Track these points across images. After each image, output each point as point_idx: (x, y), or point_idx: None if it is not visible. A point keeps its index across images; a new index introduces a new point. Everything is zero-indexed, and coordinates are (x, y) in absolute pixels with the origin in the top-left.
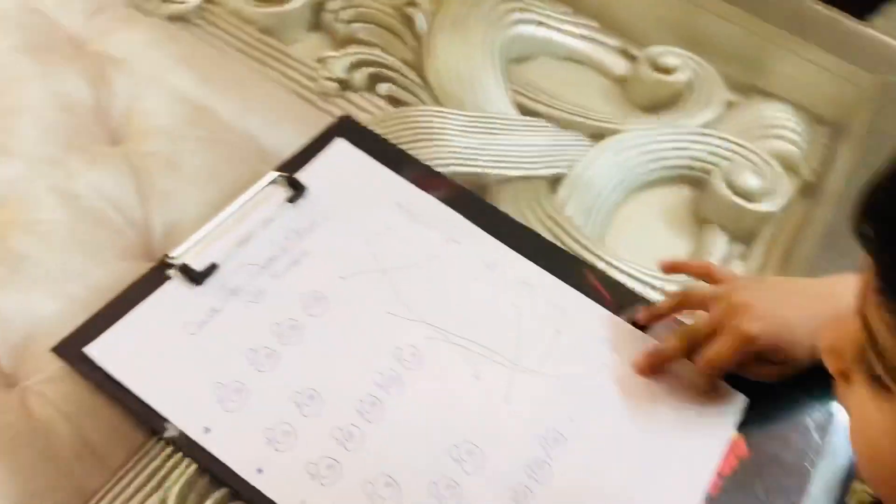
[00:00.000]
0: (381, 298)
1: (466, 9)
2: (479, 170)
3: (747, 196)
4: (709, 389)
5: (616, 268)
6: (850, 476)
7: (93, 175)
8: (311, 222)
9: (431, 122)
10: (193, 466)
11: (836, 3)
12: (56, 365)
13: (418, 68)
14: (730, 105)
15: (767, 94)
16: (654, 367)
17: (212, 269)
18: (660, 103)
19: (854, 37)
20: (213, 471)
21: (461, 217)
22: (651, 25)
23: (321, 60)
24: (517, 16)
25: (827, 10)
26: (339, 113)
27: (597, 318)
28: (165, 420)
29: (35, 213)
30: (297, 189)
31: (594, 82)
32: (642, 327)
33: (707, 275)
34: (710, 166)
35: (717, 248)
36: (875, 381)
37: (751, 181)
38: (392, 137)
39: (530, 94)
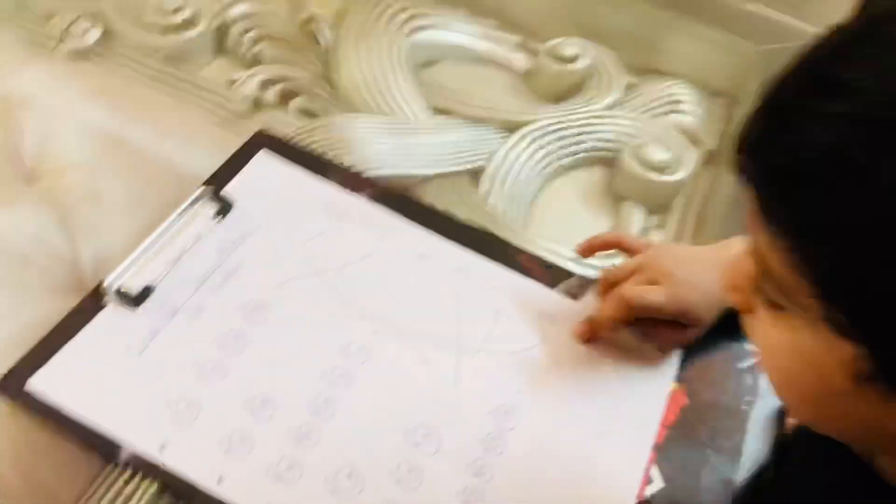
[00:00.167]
0: (321, 300)
1: (368, 20)
2: (400, 171)
3: (657, 169)
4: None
5: (545, 248)
6: (785, 411)
7: (12, 216)
8: (242, 234)
9: (347, 130)
10: (153, 487)
11: None
12: None
13: (328, 81)
14: (630, 87)
15: (664, 73)
16: (593, 333)
17: (147, 290)
18: (564, 92)
19: (738, 12)
20: (174, 487)
21: (391, 214)
22: (547, 19)
23: (231, 83)
24: (417, 23)
25: None
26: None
27: (533, 295)
28: (119, 444)
29: None
30: (225, 204)
31: (500, 78)
32: (576, 299)
33: (621, 245)
34: (619, 145)
35: (636, 222)
36: (772, 305)
37: (658, 154)
38: (311, 149)
39: (441, 95)
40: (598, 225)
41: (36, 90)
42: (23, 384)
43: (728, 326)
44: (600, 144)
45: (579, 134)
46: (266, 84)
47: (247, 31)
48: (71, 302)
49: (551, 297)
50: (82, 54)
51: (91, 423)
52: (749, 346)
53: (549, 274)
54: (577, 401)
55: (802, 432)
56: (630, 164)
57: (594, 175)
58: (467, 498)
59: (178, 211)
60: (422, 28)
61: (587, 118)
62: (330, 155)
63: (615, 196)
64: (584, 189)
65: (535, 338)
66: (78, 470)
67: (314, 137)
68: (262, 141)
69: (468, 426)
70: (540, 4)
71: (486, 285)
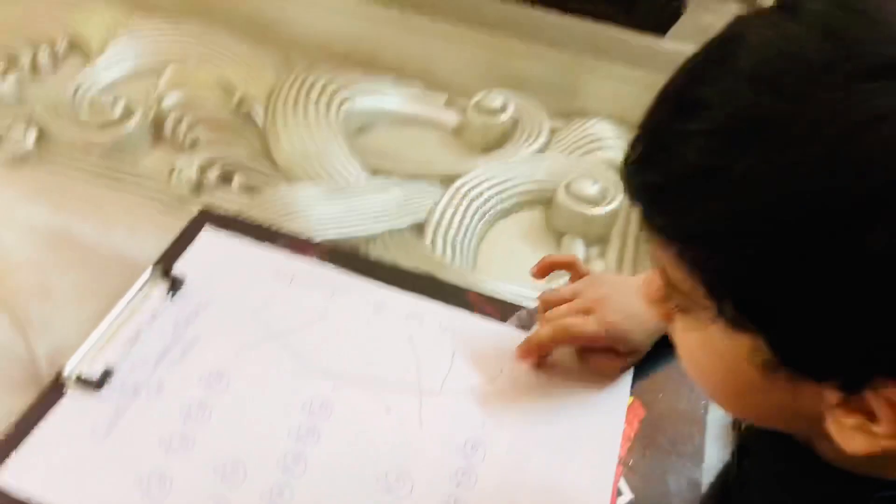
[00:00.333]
0: (279, 362)
1: (299, 95)
2: (345, 232)
3: (590, 202)
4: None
5: (493, 288)
6: None
7: None
8: (196, 308)
9: (290, 200)
10: None
11: (639, 25)
12: None
13: (267, 157)
14: (555, 130)
15: (586, 114)
16: (532, 353)
17: (108, 373)
18: (495, 142)
19: (652, 50)
20: None
21: (341, 271)
22: (470, 76)
23: (171, 170)
24: (347, 92)
25: (624, 34)
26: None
27: (485, 332)
28: None
29: None
30: (175, 281)
31: (432, 136)
32: (527, 330)
33: (570, 267)
34: (552, 185)
35: (577, 254)
36: (682, 311)
37: (589, 189)
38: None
39: (377, 157)
40: None
41: None
42: None
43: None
44: (534, 186)
45: (513, 178)
46: (206, 166)
47: (182, 118)
48: (30, 397)
49: (503, 331)
50: (21, 158)
51: None
52: None
53: (499, 309)
54: (540, 426)
55: (751, 428)
56: (564, 200)
57: (533, 215)
58: None
59: (131, 293)
60: (352, 97)
61: (519, 163)
62: (276, 225)
63: (555, 232)
64: (526, 229)
65: (493, 371)
66: None
67: (259, 210)
68: (206, 218)
69: (438, 464)
70: (462, 63)
71: (439, 328)
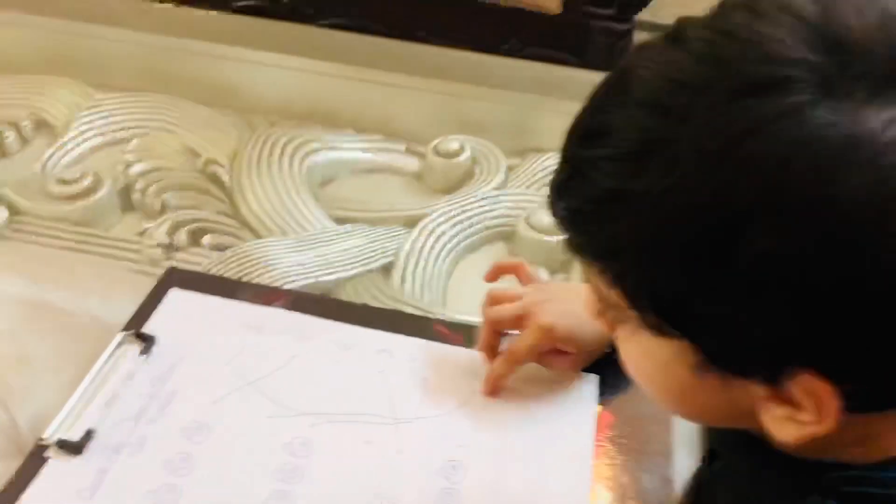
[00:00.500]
0: (257, 407)
1: (262, 154)
2: (313, 280)
3: (549, 232)
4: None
5: (460, 320)
6: None
7: None
8: (170, 365)
9: (259, 253)
10: None
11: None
12: None
13: (234, 214)
14: (512, 167)
15: (541, 150)
16: (497, 387)
17: (89, 434)
18: (455, 183)
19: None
20: None
21: (308, 316)
22: (427, 123)
23: (141, 233)
24: (309, 147)
25: (573, 72)
26: None
27: (454, 358)
28: None
29: None
30: (147, 341)
31: (394, 182)
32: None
33: (518, 272)
34: (512, 219)
35: None
36: (616, 321)
37: (548, 218)
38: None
39: (342, 207)
40: None
41: None
42: None
43: None
44: (496, 221)
45: (475, 216)
46: (174, 228)
47: (150, 185)
48: (14, 465)
49: (471, 356)
50: None
51: None
52: None
53: (465, 335)
54: (515, 441)
55: (715, 430)
56: (525, 231)
57: (497, 249)
58: None
59: (105, 356)
60: (314, 152)
61: (479, 201)
62: (246, 279)
63: None
64: (491, 263)
65: (464, 394)
66: None
67: (228, 266)
68: (173, 278)
69: (422, 488)
70: (418, 112)
71: (409, 358)
